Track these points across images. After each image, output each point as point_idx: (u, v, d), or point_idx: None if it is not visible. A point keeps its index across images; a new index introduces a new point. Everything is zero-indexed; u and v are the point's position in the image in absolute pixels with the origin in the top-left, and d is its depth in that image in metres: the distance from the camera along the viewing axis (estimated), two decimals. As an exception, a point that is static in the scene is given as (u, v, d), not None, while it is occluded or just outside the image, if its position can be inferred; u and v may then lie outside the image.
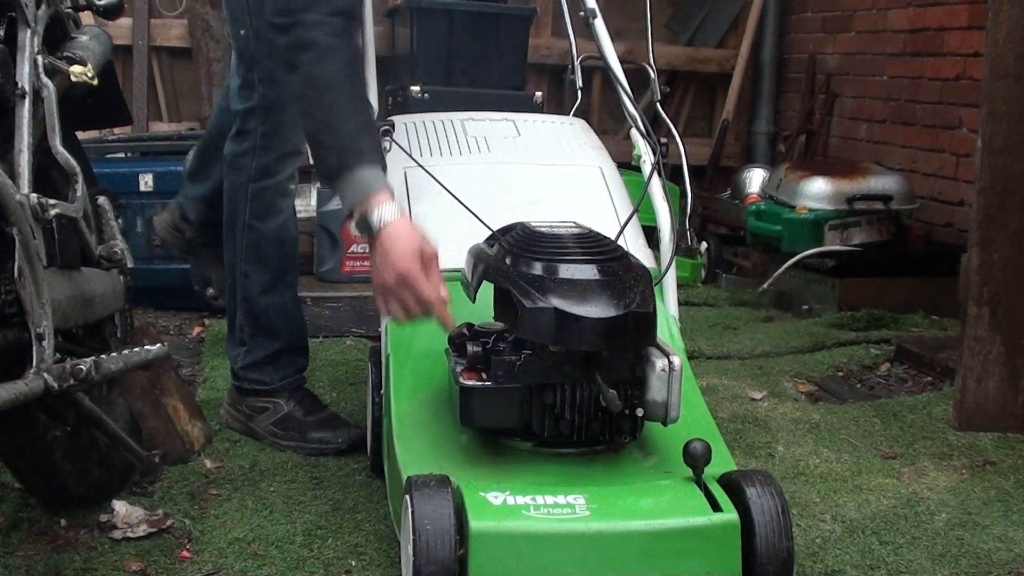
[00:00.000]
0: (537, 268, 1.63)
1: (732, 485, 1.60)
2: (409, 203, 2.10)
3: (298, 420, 2.32)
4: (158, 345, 1.89)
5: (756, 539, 1.55)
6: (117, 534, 1.86)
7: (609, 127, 5.05)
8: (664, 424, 1.67)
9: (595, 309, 1.59)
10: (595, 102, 4.99)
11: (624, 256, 1.71)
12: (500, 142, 2.30)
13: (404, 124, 2.31)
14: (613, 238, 1.82)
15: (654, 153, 2.15)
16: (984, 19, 2.41)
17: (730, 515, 1.55)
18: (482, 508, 1.52)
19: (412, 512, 1.51)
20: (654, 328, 1.66)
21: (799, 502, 2.07)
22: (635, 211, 2.09)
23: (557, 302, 1.59)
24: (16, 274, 1.50)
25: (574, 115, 2.50)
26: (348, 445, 2.28)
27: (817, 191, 3.83)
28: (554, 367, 1.64)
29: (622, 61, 5.07)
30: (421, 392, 1.83)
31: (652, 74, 4.49)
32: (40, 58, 1.72)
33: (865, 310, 3.47)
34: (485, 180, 2.15)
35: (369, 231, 1.74)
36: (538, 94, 3.89)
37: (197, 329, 3.24)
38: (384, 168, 1.82)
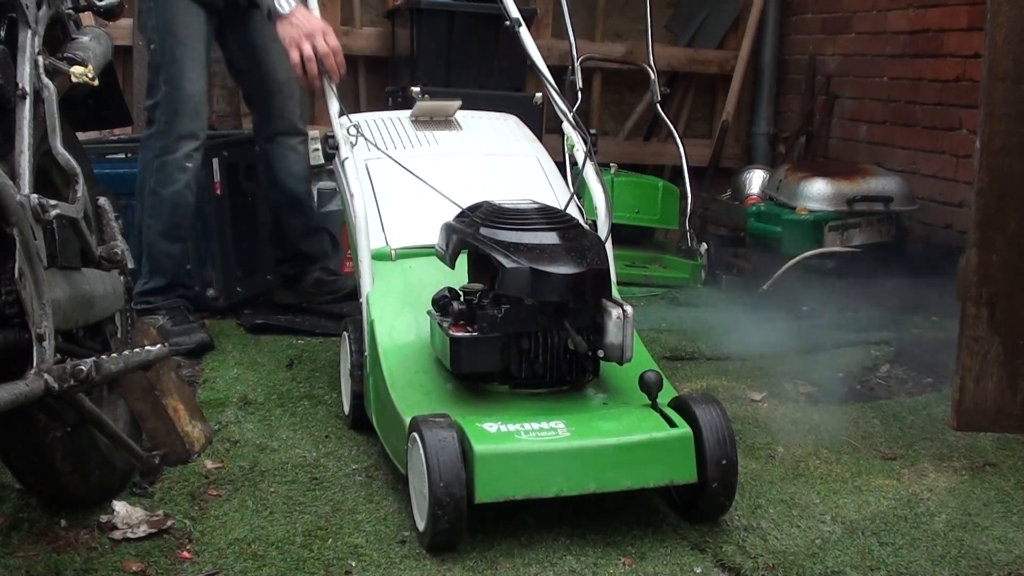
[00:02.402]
0: (510, 236, 1.94)
1: (682, 406, 1.93)
2: (375, 192, 2.37)
3: (167, 330, 2.92)
4: (158, 346, 1.90)
5: (705, 448, 1.86)
6: (117, 535, 1.86)
7: (609, 127, 5.05)
8: (620, 363, 1.97)
9: (562, 267, 1.90)
10: (595, 102, 4.99)
11: (577, 225, 2.03)
12: (445, 135, 2.58)
13: (356, 123, 2.56)
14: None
15: (586, 143, 2.44)
16: (984, 21, 2.41)
17: (684, 429, 1.87)
18: (481, 435, 1.81)
19: (423, 445, 1.78)
20: (610, 282, 2.00)
21: (799, 503, 2.07)
22: (573, 194, 2.41)
23: (531, 263, 1.89)
24: (17, 275, 1.51)
25: (574, 115, 2.56)
26: (195, 346, 2.93)
27: (817, 192, 3.84)
28: (529, 317, 1.95)
29: (622, 62, 5.08)
30: (406, 350, 2.11)
31: (652, 75, 4.52)
32: (41, 59, 1.72)
33: (865, 311, 3.47)
34: (437, 169, 2.40)
35: (280, 15, 2.52)
36: (538, 95, 3.89)
37: (197, 330, 3.24)
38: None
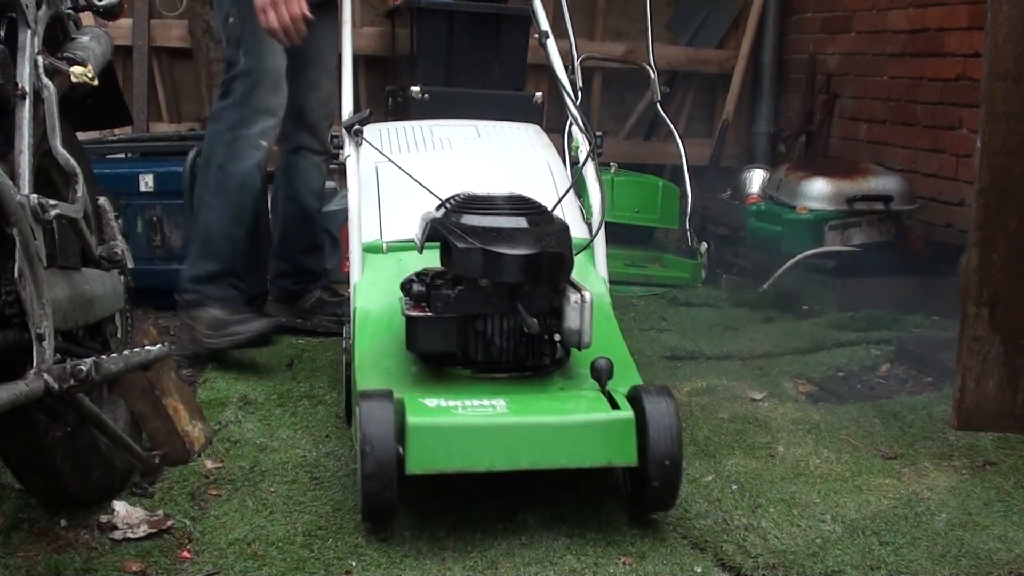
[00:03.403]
0: (470, 220, 1.95)
1: (635, 397, 1.90)
2: (379, 191, 2.42)
3: (221, 320, 2.76)
4: (158, 346, 1.90)
5: (648, 445, 1.84)
6: (117, 535, 1.86)
7: (610, 127, 5.05)
8: (579, 349, 1.99)
9: (514, 248, 1.90)
10: (595, 102, 4.99)
11: (545, 212, 2.02)
12: (462, 142, 2.63)
13: (379, 129, 2.68)
14: (552, 209, 2.14)
15: (590, 144, 2.47)
16: (984, 20, 2.41)
17: (626, 412, 1.86)
18: (418, 408, 1.84)
19: (359, 416, 1.81)
20: (566, 266, 1.97)
21: (799, 502, 2.07)
22: (572, 185, 2.42)
23: (483, 244, 1.90)
24: (16, 275, 1.51)
25: (585, 119, 2.58)
26: (256, 333, 2.77)
27: (817, 192, 3.84)
28: (484, 299, 1.96)
29: (622, 62, 5.07)
30: (381, 335, 2.12)
31: (652, 75, 4.52)
32: (40, 59, 1.72)
33: (865, 310, 3.47)
34: (446, 171, 2.45)
35: None
36: (538, 94, 3.89)
37: (197, 330, 3.23)
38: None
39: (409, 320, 1.96)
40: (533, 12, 2.76)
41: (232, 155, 2.78)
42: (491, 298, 1.95)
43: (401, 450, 1.79)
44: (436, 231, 2.01)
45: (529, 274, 1.91)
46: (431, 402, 1.87)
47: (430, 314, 1.96)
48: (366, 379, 2.03)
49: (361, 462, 1.80)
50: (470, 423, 1.83)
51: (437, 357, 2.04)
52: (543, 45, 2.69)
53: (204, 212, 2.82)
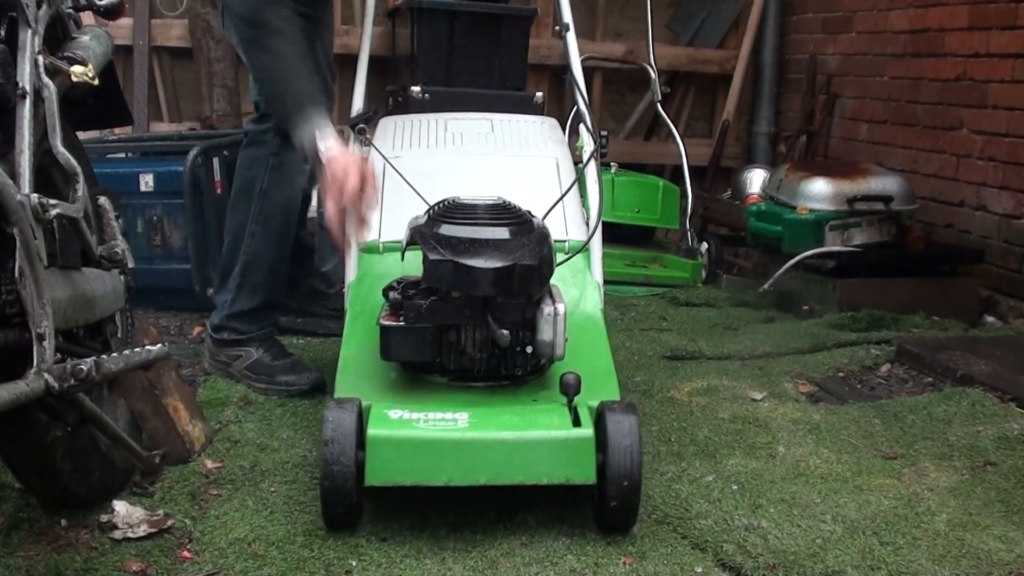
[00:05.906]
0: (447, 230, 1.94)
1: (599, 412, 1.90)
2: (382, 192, 2.39)
3: (267, 365, 2.66)
4: (159, 345, 1.90)
5: (608, 464, 1.83)
6: (118, 534, 1.86)
7: (610, 127, 5.05)
8: (552, 361, 2.01)
9: (485, 261, 1.89)
10: (596, 102, 4.99)
11: (527, 222, 1.99)
12: (474, 137, 2.61)
13: (394, 122, 2.65)
14: (548, 211, 2.19)
15: (595, 143, 2.47)
16: (984, 20, 2.39)
17: (587, 430, 1.85)
18: (380, 420, 1.86)
19: (324, 422, 1.84)
20: (540, 279, 1.95)
21: (800, 502, 2.07)
22: (572, 186, 2.39)
23: (455, 256, 1.89)
24: (17, 274, 1.51)
25: (575, 114, 2.57)
26: (310, 386, 2.62)
27: (818, 192, 3.83)
28: (456, 310, 1.95)
29: (623, 61, 5.08)
30: (368, 339, 2.10)
31: (653, 75, 4.51)
32: (41, 58, 1.72)
33: (866, 311, 3.47)
34: (453, 167, 2.46)
35: (318, 160, 2.11)
36: (539, 94, 3.88)
37: (197, 329, 3.24)
38: (330, 112, 2.18)
39: (383, 329, 1.96)
40: (557, 2, 2.75)
41: (277, 181, 2.65)
42: (463, 309, 1.95)
43: (364, 457, 1.81)
44: (414, 239, 2.01)
45: (500, 287, 1.90)
46: (395, 414, 1.88)
47: (403, 324, 1.95)
48: (347, 385, 2.04)
49: (322, 468, 1.82)
50: (429, 437, 1.83)
51: (415, 364, 2.04)
52: (563, 37, 2.67)
53: (248, 241, 2.65)
